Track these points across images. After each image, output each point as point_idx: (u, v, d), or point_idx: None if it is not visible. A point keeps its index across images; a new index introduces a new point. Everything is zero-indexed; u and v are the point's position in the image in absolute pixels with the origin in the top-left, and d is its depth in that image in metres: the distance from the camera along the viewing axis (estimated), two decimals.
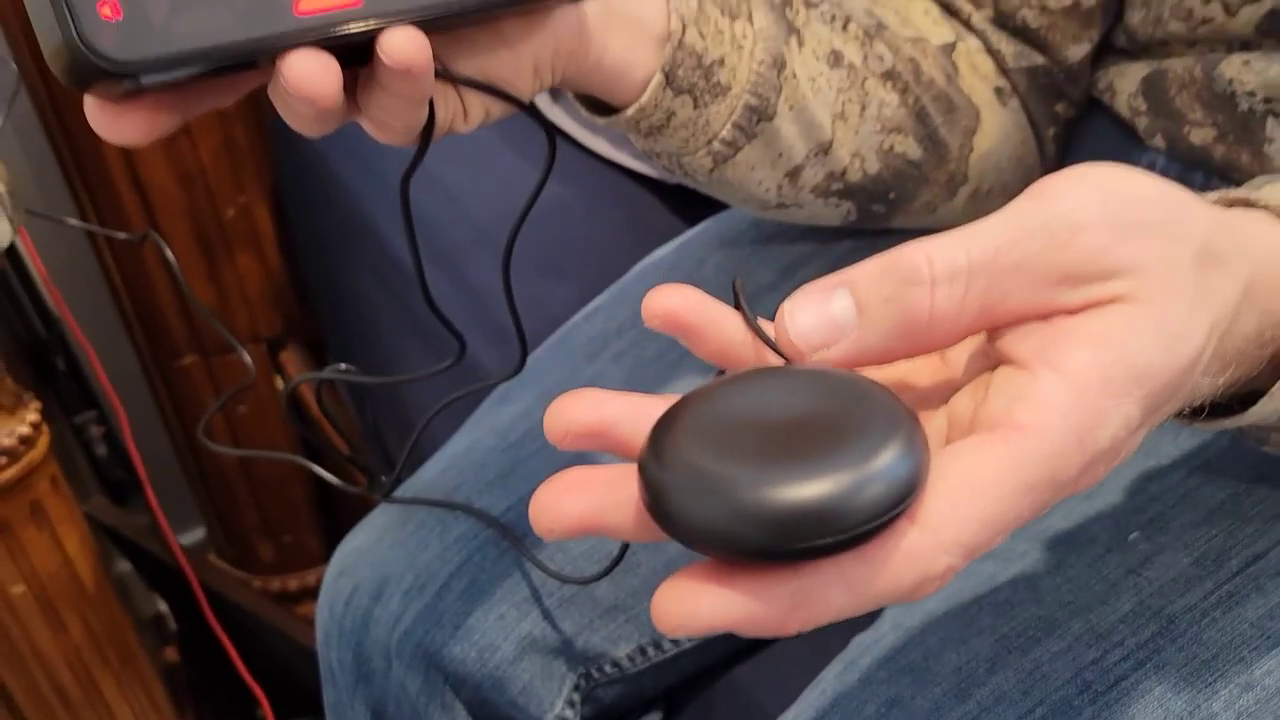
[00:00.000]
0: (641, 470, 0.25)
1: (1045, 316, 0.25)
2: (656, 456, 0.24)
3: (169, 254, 0.73)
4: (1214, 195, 0.32)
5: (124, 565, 1.26)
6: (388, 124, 0.36)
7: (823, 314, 0.26)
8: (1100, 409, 0.24)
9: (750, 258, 0.60)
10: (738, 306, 0.30)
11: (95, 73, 0.28)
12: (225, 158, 1.10)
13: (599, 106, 0.44)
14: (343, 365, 0.56)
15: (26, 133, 1.11)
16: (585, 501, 0.25)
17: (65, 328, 1.08)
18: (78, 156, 1.06)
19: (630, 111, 0.42)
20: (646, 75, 0.42)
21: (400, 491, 0.58)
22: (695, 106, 0.43)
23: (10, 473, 0.80)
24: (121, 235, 0.84)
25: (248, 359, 0.76)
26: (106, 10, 0.28)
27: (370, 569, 0.55)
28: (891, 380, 0.30)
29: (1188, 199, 0.28)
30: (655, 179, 0.78)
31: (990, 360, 0.27)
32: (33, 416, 0.82)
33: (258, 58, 0.31)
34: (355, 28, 0.31)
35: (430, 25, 0.32)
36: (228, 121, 1.08)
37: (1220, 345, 0.27)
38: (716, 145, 0.45)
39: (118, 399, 0.94)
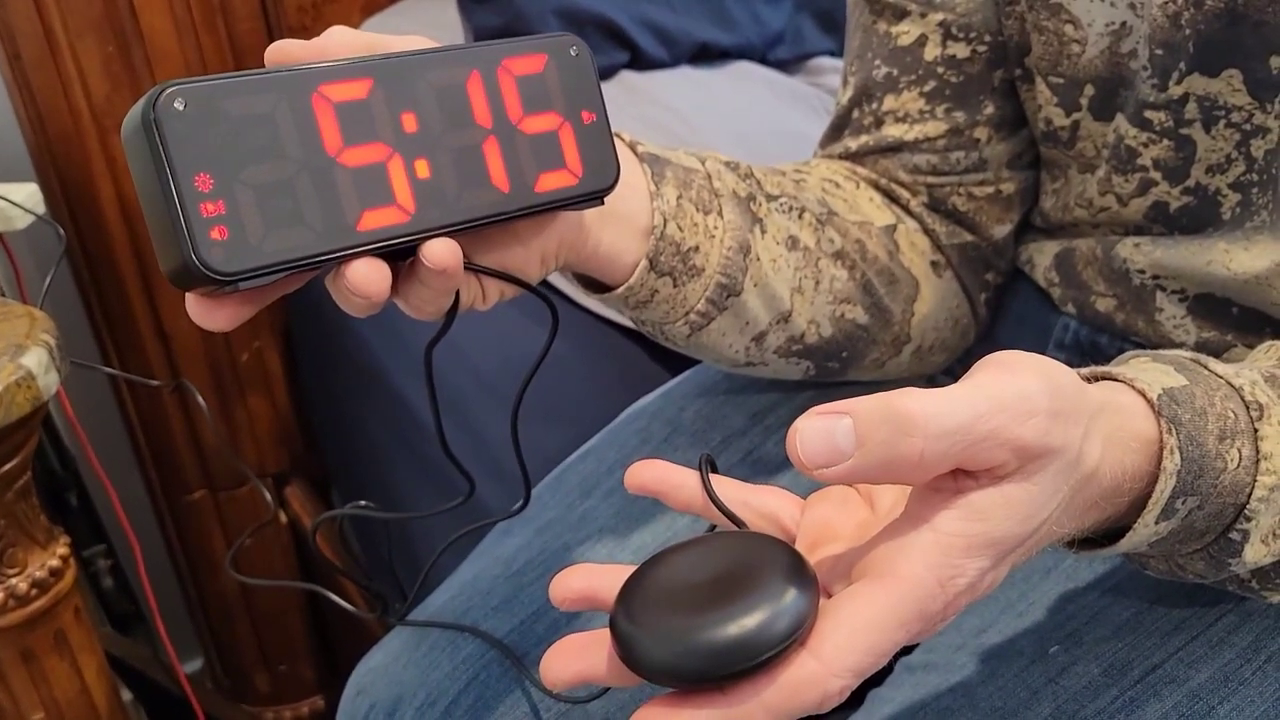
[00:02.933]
0: (612, 627, 0.34)
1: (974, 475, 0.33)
2: (623, 616, 0.33)
3: (200, 400, 0.80)
4: (1085, 371, 0.40)
5: (126, 695, 1.29)
6: (421, 308, 0.44)
7: (829, 441, 0.32)
8: (959, 565, 0.32)
9: (724, 404, 0.68)
10: (703, 480, 0.39)
11: (204, 281, 0.36)
12: None
13: (593, 284, 0.53)
14: (363, 502, 0.63)
15: (55, 285, 1.20)
16: (577, 663, 0.35)
17: (83, 464, 1.15)
18: (107, 309, 1.14)
19: (620, 290, 0.51)
20: (634, 261, 0.50)
21: (412, 616, 0.64)
22: (675, 285, 0.52)
23: (40, 603, 0.85)
24: (155, 383, 0.91)
25: (267, 495, 0.82)
26: (216, 234, 0.36)
27: (386, 688, 0.61)
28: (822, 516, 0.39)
29: (1084, 387, 0.36)
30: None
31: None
32: (62, 550, 0.88)
33: (328, 265, 0.39)
34: (402, 240, 0.39)
35: (461, 232, 0.41)
36: None
37: (1079, 498, 0.35)
38: (693, 316, 0.53)
39: (133, 533, 1.00)
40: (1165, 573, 0.44)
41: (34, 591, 0.85)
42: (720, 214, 0.53)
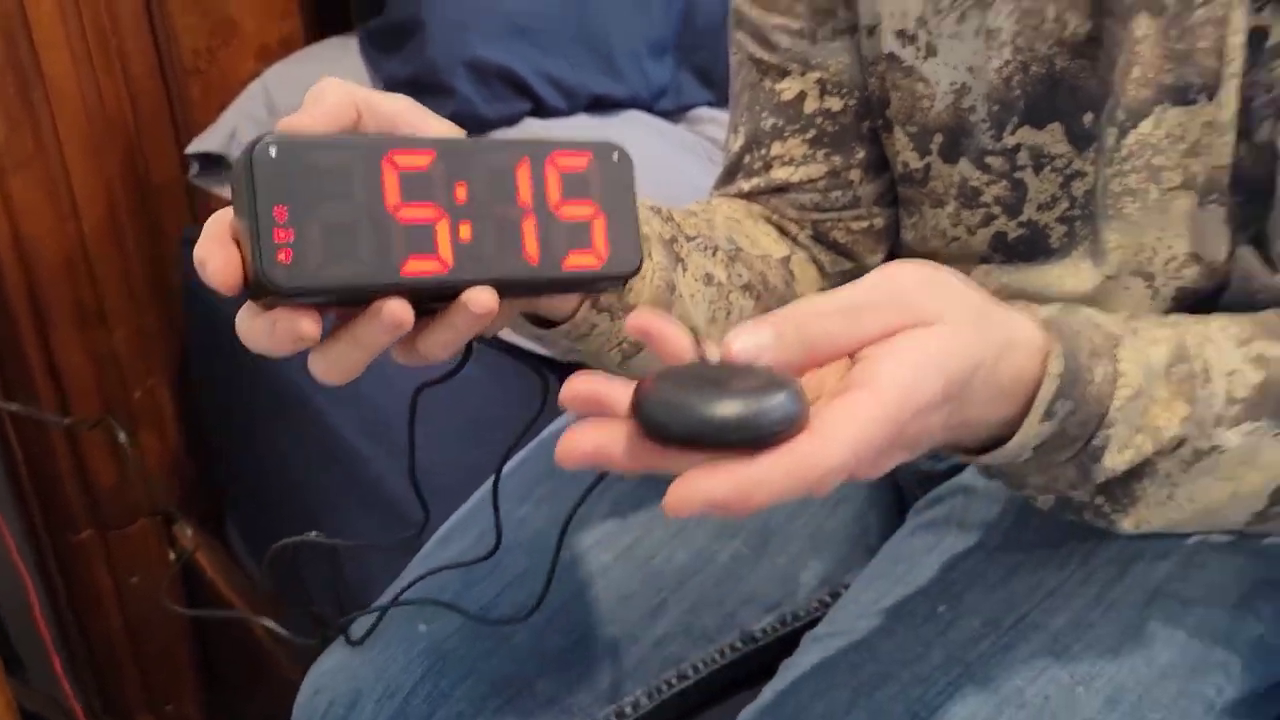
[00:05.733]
0: (637, 400, 0.37)
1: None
2: (649, 390, 0.37)
3: (122, 437, 0.83)
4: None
5: None
6: (433, 352, 0.48)
7: (754, 339, 0.39)
8: (923, 382, 0.40)
9: None
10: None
11: (266, 293, 0.42)
12: (137, 342, 1.19)
13: (538, 321, 0.59)
14: (314, 533, 0.67)
15: None
16: (595, 436, 0.37)
17: None
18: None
19: (565, 327, 0.58)
20: (578, 302, 0.57)
21: (355, 628, 0.68)
22: (611, 320, 0.59)
23: None
24: (66, 420, 0.93)
25: (189, 532, 0.85)
26: (283, 256, 0.42)
27: (345, 684, 0.66)
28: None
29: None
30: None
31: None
32: None
33: (371, 299, 0.45)
34: (437, 287, 0.45)
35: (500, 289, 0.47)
36: (141, 309, 1.19)
37: (1001, 367, 0.44)
38: (625, 346, 0.61)
39: (27, 574, 1.00)
40: (1041, 488, 0.53)
41: None
42: (650, 256, 0.61)
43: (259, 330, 0.44)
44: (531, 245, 0.48)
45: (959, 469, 0.71)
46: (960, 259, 0.70)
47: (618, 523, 0.74)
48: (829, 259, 0.73)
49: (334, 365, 0.46)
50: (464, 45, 1.02)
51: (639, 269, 0.51)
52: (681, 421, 0.36)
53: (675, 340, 0.41)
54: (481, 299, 0.46)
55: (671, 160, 0.98)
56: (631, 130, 1.09)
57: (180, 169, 1.22)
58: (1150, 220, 0.61)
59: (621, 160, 0.50)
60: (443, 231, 0.46)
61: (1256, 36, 0.56)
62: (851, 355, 0.42)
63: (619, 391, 0.38)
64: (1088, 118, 0.61)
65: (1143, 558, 0.61)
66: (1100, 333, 0.51)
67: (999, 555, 0.63)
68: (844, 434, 0.38)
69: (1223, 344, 0.53)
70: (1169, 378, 0.51)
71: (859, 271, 0.74)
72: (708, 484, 0.36)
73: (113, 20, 1.10)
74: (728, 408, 0.36)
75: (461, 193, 0.46)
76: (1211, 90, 0.57)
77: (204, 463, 1.30)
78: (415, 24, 1.04)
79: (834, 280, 0.73)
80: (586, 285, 0.51)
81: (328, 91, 0.47)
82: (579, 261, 0.49)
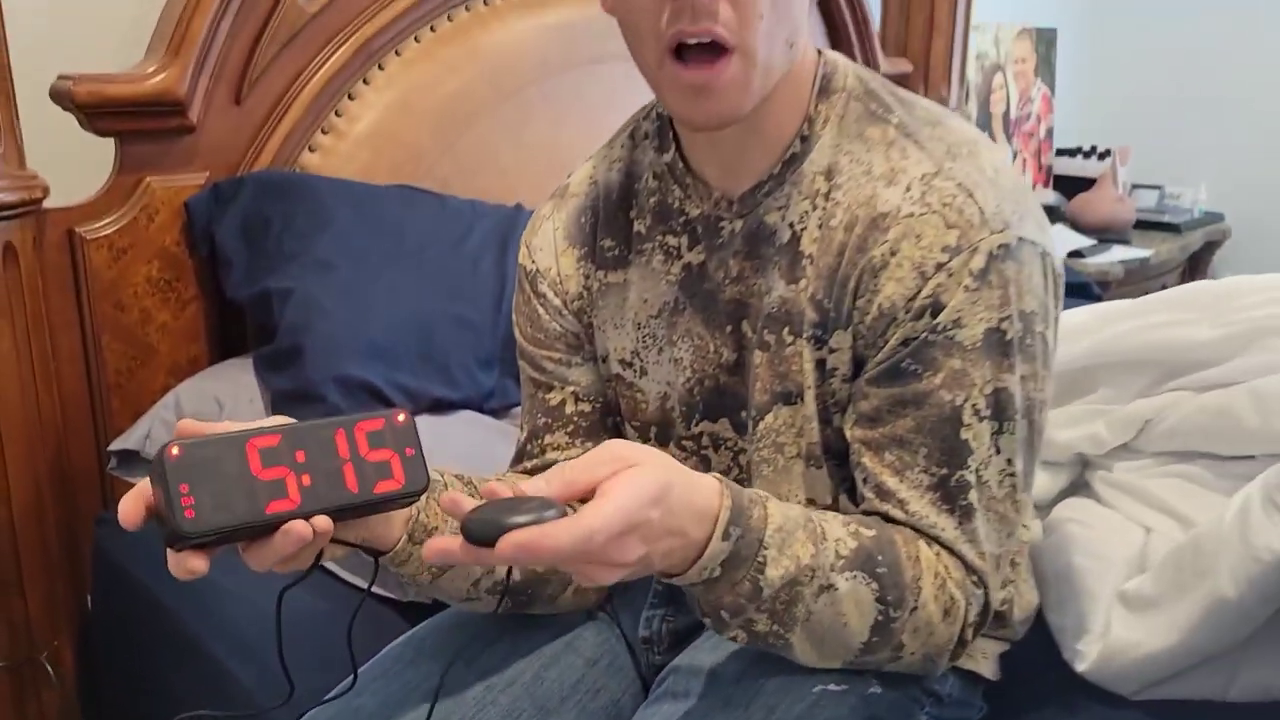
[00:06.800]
0: (461, 521, 0.69)
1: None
2: (466, 517, 0.69)
3: (54, 678, 1.03)
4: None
5: None
6: (291, 564, 0.76)
7: (536, 482, 0.72)
8: (642, 507, 0.70)
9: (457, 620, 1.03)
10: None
11: (180, 540, 0.70)
12: (47, 608, 1.40)
13: (370, 552, 0.88)
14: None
15: None
16: (444, 544, 0.69)
17: None
18: None
19: (390, 554, 0.86)
20: (399, 536, 0.86)
21: None
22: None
23: None
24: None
25: None
26: (188, 514, 0.69)
27: None
28: None
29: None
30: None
31: None
32: None
33: (249, 534, 0.72)
34: (290, 518, 0.71)
35: (328, 515, 0.75)
36: (51, 575, 1.41)
37: (677, 503, 0.73)
38: (433, 569, 0.89)
39: None
40: (731, 608, 0.79)
41: None
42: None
43: (173, 564, 0.71)
44: (351, 481, 0.74)
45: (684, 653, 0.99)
46: None
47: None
48: None
49: (262, 564, 0.73)
50: (334, 365, 1.34)
51: (427, 486, 0.78)
52: (488, 530, 0.68)
53: (466, 502, 0.72)
54: (320, 525, 0.74)
55: (494, 447, 1.28)
56: (465, 425, 1.41)
57: (97, 462, 1.48)
58: (780, 478, 0.94)
59: (405, 421, 0.78)
60: (291, 481, 0.72)
61: (820, 364, 0.91)
62: (592, 492, 0.72)
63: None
64: (742, 413, 0.95)
65: (784, 701, 0.89)
66: (755, 492, 0.82)
67: (710, 711, 0.90)
68: (596, 515, 0.68)
69: (834, 522, 0.85)
70: (804, 528, 0.82)
71: None
72: (522, 535, 0.67)
73: (55, 351, 1.39)
74: (520, 518, 0.68)
75: (301, 455, 0.73)
76: (801, 395, 0.91)
77: (99, 712, 1.48)
78: (297, 350, 1.36)
79: None
80: (394, 502, 0.76)
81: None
82: (385, 486, 0.76)
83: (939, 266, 0.83)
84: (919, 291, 0.83)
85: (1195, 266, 3.14)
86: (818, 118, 0.90)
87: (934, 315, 0.83)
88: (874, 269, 0.85)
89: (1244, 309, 1.07)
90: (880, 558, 0.83)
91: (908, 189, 0.85)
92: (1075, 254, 2.69)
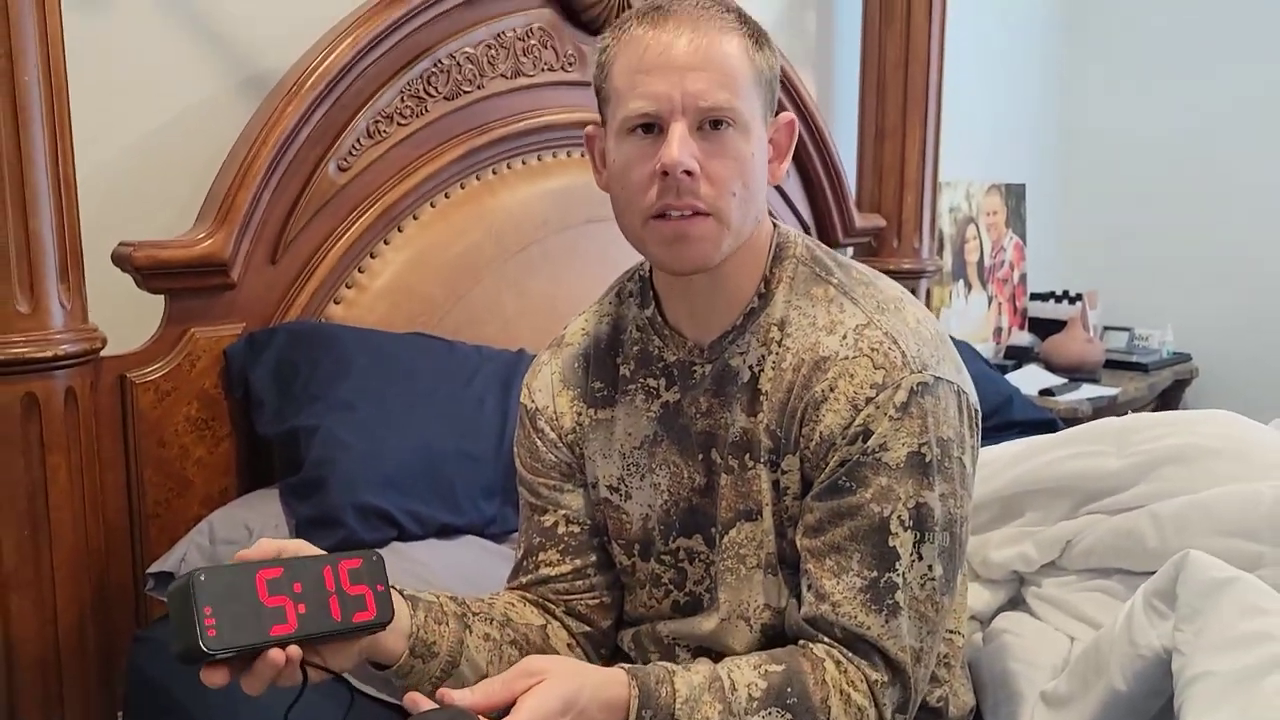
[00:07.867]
0: None
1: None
2: None
3: None
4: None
5: None
6: (280, 682, 0.90)
7: (460, 694, 0.89)
8: (542, 699, 0.87)
9: None
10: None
11: (202, 656, 0.84)
12: None
13: (378, 665, 1.01)
14: None
15: None
16: None
17: None
18: None
19: (394, 668, 1.00)
20: (401, 650, 1.00)
21: None
22: (424, 662, 1.02)
23: None
24: None
25: None
26: (211, 632, 0.83)
27: None
28: None
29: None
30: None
31: None
32: None
33: (256, 652, 0.86)
34: (288, 641, 0.86)
35: (317, 640, 0.89)
36: (89, 691, 1.52)
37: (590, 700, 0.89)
38: (434, 679, 1.03)
39: None
40: None
41: None
42: (447, 624, 1.05)
43: (205, 675, 0.86)
44: (336, 611, 0.90)
45: None
46: (657, 618, 1.16)
47: None
48: (575, 624, 1.18)
49: (253, 689, 0.88)
50: (353, 494, 1.50)
51: (391, 619, 0.94)
52: None
53: (424, 700, 0.88)
54: (272, 655, 0.87)
55: (495, 569, 1.42)
56: (468, 549, 1.56)
57: (133, 583, 1.62)
58: (742, 586, 1.09)
59: (377, 559, 0.94)
60: (289, 609, 0.87)
61: (775, 484, 1.06)
62: (513, 703, 0.87)
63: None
64: (713, 530, 1.10)
65: None
66: (662, 669, 0.97)
67: None
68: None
69: (744, 667, 0.99)
70: (709, 690, 0.96)
71: (596, 634, 1.18)
72: None
73: (102, 483, 1.55)
74: None
75: (298, 586, 0.88)
76: (760, 512, 1.07)
77: None
78: (321, 481, 1.52)
79: (579, 638, 1.18)
80: (367, 630, 0.93)
81: (263, 543, 0.93)
82: (361, 616, 0.91)
83: (868, 400, 0.99)
84: (852, 421, 1.00)
85: (1166, 403, 3.30)
86: (773, 279, 1.08)
87: (865, 440, 0.99)
88: (816, 402, 1.02)
89: (1143, 442, 1.23)
90: (789, 689, 0.97)
91: (844, 337, 1.02)
92: (1046, 392, 2.86)
